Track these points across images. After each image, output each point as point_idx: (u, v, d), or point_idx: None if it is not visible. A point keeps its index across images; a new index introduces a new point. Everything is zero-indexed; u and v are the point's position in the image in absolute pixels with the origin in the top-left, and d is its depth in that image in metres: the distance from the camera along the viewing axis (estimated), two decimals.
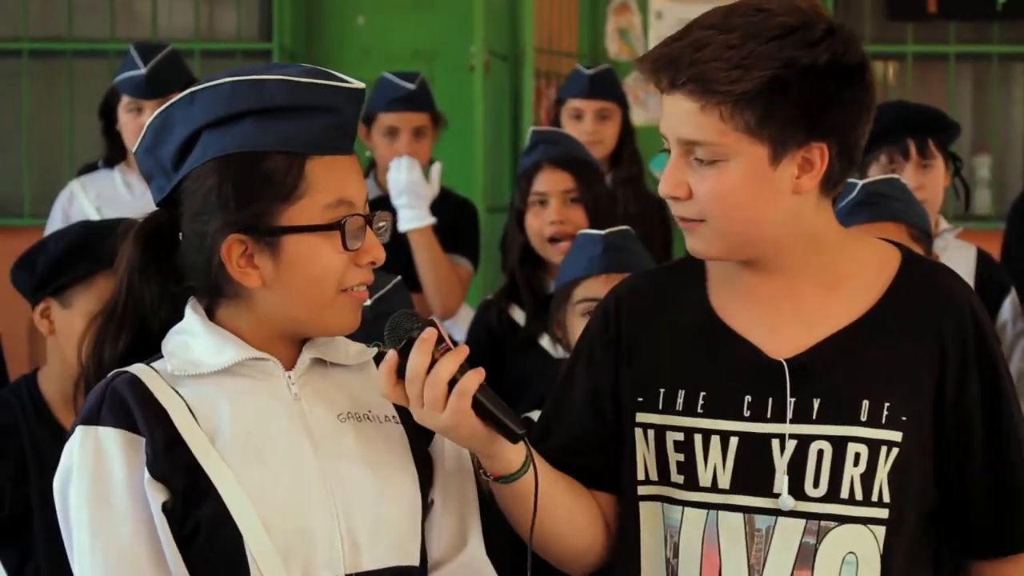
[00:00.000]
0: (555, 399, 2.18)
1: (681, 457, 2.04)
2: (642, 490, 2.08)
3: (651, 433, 2.06)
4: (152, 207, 2.03)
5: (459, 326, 4.47)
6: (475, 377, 1.93)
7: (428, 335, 1.93)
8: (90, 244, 2.79)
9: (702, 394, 2.04)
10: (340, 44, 6.78)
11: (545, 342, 3.74)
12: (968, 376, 2.02)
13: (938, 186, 3.74)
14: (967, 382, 2.02)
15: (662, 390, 2.06)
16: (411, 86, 4.62)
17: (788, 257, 2.03)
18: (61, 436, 2.67)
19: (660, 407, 2.06)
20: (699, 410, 2.03)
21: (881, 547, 2.00)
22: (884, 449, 1.99)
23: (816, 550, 1.99)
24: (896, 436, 2.00)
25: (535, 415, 3.13)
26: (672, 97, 1.97)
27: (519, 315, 3.87)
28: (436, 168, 4.58)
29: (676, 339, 2.08)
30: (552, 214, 3.87)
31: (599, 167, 4.19)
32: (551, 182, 3.90)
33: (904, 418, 2.00)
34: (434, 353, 1.92)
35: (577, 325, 3.25)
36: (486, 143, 5.94)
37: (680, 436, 2.04)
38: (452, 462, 2.07)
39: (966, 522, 2.06)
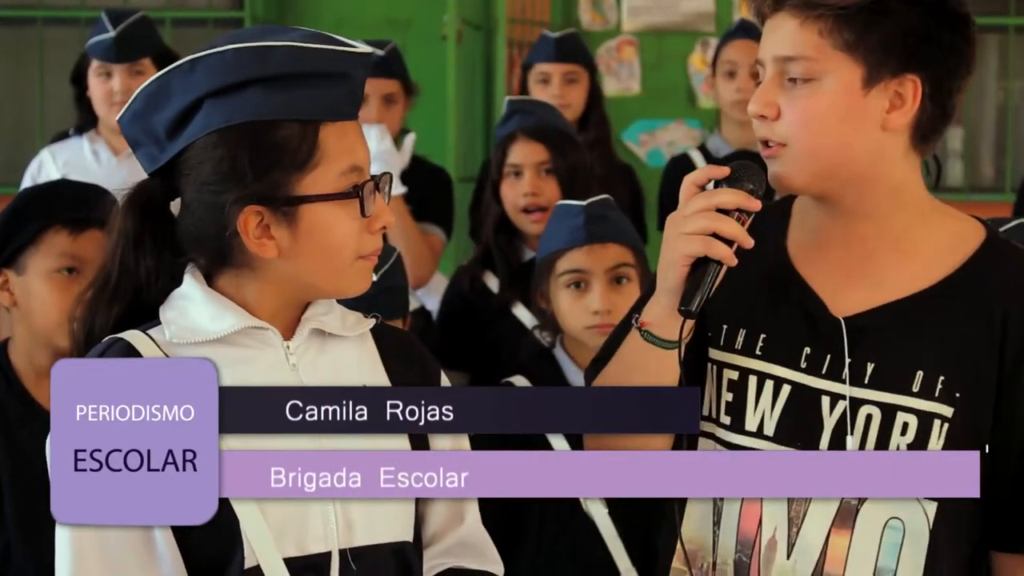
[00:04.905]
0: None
1: (730, 397, 2.04)
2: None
3: (713, 369, 2.07)
4: (117, 176, 2.01)
5: (432, 295, 4.47)
6: (730, 224, 1.96)
7: (755, 205, 1.97)
8: (30, 206, 2.75)
9: (762, 336, 2.04)
10: (313, 13, 6.76)
11: (518, 310, 3.74)
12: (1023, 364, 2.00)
13: None
14: (1021, 370, 2.00)
15: (725, 327, 2.07)
16: (381, 52, 4.60)
17: (870, 204, 2.03)
18: (32, 407, 2.68)
19: (721, 343, 2.07)
20: (757, 352, 2.04)
21: (931, 523, 1.99)
22: (937, 423, 1.98)
23: (857, 511, 1.99)
24: (947, 411, 1.98)
25: (517, 380, 3.14)
26: (774, 19, 2.00)
27: (492, 282, 3.87)
28: (409, 138, 4.57)
29: (747, 278, 2.06)
30: (526, 186, 3.86)
31: (575, 136, 4.17)
32: (525, 153, 3.89)
33: (958, 395, 1.99)
34: (740, 212, 1.96)
35: (562, 297, 3.23)
36: (459, 112, 5.93)
37: (735, 375, 2.05)
38: (448, 439, 2.03)
39: (990, 511, 2.03)
